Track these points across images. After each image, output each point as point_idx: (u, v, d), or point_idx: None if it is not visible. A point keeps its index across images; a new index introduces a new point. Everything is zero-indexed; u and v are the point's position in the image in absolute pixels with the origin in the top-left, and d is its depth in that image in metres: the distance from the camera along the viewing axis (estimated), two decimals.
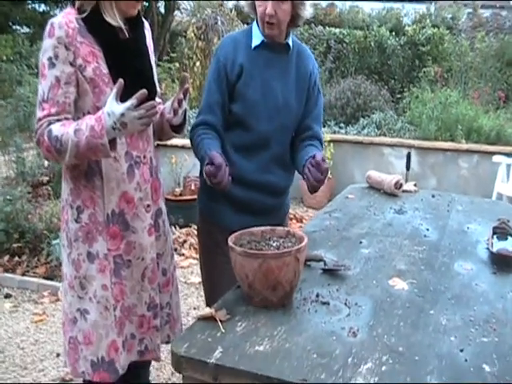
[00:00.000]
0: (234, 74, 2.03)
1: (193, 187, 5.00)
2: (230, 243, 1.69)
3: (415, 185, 3.08)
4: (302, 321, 1.60)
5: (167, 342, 2.01)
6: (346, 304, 1.71)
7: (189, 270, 4.31)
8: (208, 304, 2.23)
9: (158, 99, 1.98)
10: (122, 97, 1.65)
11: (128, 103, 1.61)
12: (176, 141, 5.05)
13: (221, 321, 1.59)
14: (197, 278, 4.08)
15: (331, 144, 6.03)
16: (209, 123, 2.06)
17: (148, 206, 1.86)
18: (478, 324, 1.62)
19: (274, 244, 1.74)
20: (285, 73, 2.10)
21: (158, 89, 2.03)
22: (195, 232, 4.85)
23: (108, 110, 1.62)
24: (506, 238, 2.33)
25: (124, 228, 1.82)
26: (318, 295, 1.75)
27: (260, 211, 2.10)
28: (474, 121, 6.03)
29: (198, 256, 4.33)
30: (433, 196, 2.95)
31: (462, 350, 1.48)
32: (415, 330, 1.57)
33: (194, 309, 3.70)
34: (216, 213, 2.03)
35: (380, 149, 6.24)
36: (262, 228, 1.82)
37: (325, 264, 1.95)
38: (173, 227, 4.75)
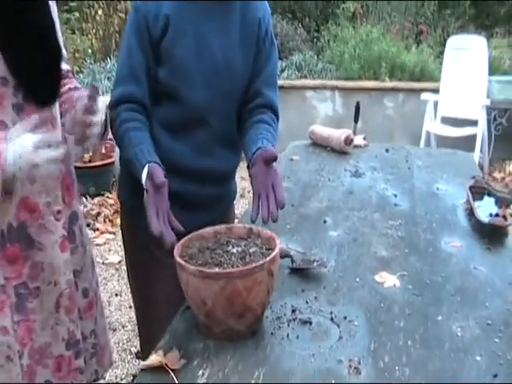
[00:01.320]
0: (157, 28, 1.49)
1: (103, 151, 4.38)
2: (177, 257, 1.22)
3: (364, 138, 2.70)
4: (283, 356, 1.18)
5: (95, 380, 1.54)
6: (332, 320, 1.30)
7: (105, 248, 3.73)
8: (140, 328, 1.76)
9: (64, 66, 1.43)
10: (17, 68, 1.16)
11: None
12: None
13: (173, 370, 1.13)
14: (116, 257, 3.57)
15: None
16: (133, 98, 1.51)
17: (59, 212, 1.34)
18: (499, 329, 1.27)
19: (235, 250, 1.28)
20: (226, 24, 1.55)
21: (64, 51, 1.48)
22: (110, 202, 4.37)
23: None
24: (482, 198, 2.00)
25: (27, 246, 1.30)
26: (294, 310, 1.34)
27: (200, 204, 1.63)
28: (397, 57, 5.73)
29: (114, 230, 3.90)
30: (386, 150, 2.58)
31: (495, 376, 1.12)
32: (429, 350, 1.20)
33: (116, 295, 3.20)
34: (143, 210, 1.49)
35: (302, 92, 5.83)
36: (215, 228, 1.36)
37: (292, 261, 1.53)
38: (83, 198, 4.15)
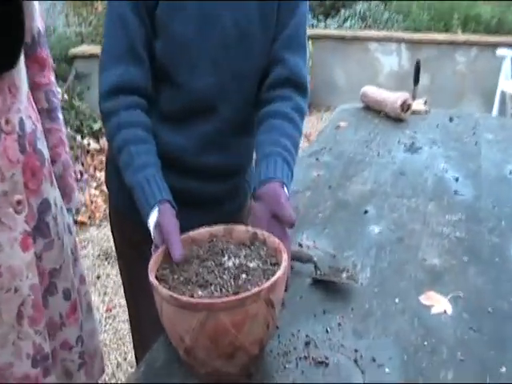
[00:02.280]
0: None
1: None
2: (150, 273, 0.89)
3: (425, 102, 2.24)
4: None
5: None
6: (356, 362, 0.95)
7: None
8: (132, 330, 1.46)
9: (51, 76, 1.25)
10: None
11: None
12: None
13: None
14: None
15: (309, 41, 5.05)
16: (135, 85, 1.10)
17: (19, 202, 1.03)
18: None
19: (231, 263, 0.95)
20: None
21: (51, 61, 1.26)
22: None
23: None
24: None
25: None
26: (308, 343, 0.99)
27: (204, 202, 1.27)
28: (471, 7, 5.05)
29: None
30: (450, 119, 2.13)
31: None
32: None
33: None
34: (134, 205, 1.14)
35: (365, 44, 5.28)
36: (211, 230, 1.02)
37: (316, 269, 1.17)
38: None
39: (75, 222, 3.16)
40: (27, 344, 1.10)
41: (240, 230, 1.02)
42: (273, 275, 0.88)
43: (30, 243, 1.07)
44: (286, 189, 1.04)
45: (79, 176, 3.35)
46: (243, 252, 0.97)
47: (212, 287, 0.89)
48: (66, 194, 1.30)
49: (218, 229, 1.03)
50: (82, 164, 3.53)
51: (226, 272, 0.93)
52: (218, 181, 1.23)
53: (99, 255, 2.95)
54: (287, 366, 0.95)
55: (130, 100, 1.09)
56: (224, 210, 1.24)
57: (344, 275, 1.15)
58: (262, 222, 1.00)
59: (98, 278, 2.77)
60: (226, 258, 0.97)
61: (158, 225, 0.97)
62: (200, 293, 0.88)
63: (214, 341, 0.85)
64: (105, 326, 2.44)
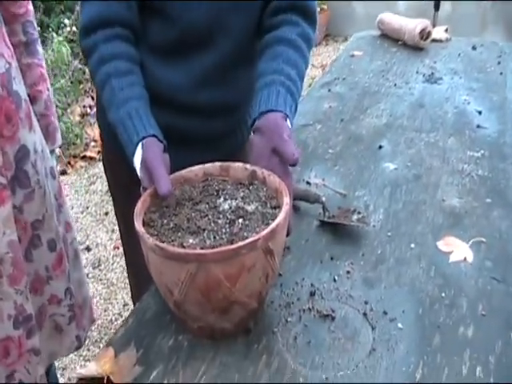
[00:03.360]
0: None
1: None
2: (136, 218, 0.75)
3: (446, 30, 2.01)
4: (281, 377, 0.72)
5: (78, 348, 1.17)
6: (365, 315, 0.82)
7: None
8: (132, 284, 1.34)
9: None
10: None
11: None
12: None
13: None
14: None
15: None
16: (116, 18, 0.92)
17: None
18: None
19: (227, 206, 0.80)
20: None
21: None
22: None
23: None
24: None
25: None
26: (313, 293, 0.87)
27: (201, 141, 1.08)
28: None
29: None
30: (473, 48, 1.91)
31: None
32: None
33: None
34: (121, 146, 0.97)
35: None
36: (206, 168, 0.87)
37: (324, 210, 1.03)
38: None
39: (83, 157, 3.03)
40: (8, 305, 0.98)
41: (238, 167, 0.87)
42: (273, 220, 0.74)
43: (6, 196, 0.92)
44: (288, 122, 0.87)
45: (88, 110, 3.19)
46: (240, 193, 0.83)
47: (204, 234, 0.75)
48: (50, 134, 1.14)
49: (214, 166, 0.88)
50: (92, 98, 3.35)
51: (221, 216, 0.79)
52: (216, 119, 1.06)
53: (107, 191, 2.83)
54: (289, 319, 0.82)
55: (110, 32, 0.92)
56: (223, 150, 1.08)
57: (355, 217, 1.01)
58: (262, 158, 0.84)
59: (106, 214, 2.65)
60: (222, 199, 0.82)
61: (143, 162, 0.82)
62: (191, 241, 0.74)
63: (205, 295, 0.72)
64: (112, 264, 2.36)
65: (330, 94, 1.59)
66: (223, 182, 0.86)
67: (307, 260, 0.94)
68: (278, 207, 0.78)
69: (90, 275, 2.32)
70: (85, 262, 2.39)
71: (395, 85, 1.62)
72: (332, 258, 0.94)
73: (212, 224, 0.77)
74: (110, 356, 0.76)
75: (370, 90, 1.60)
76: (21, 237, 0.97)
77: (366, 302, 0.85)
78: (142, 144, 0.84)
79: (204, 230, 0.76)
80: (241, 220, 0.77)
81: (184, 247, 0.72)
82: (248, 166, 0.86)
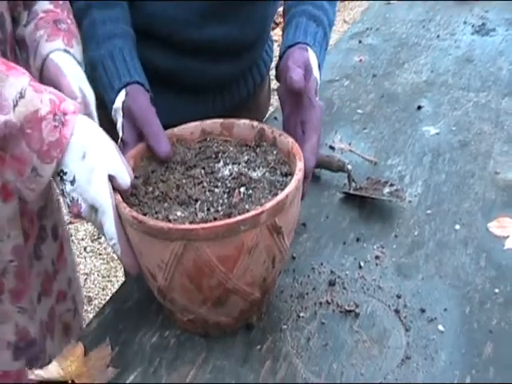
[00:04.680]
0: None
1: None
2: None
3: None
4: None
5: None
6: (398, 312, 0.70)
7: None
8: None
9: None
10: None
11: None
12: None
13: None
14: None
15: None
16: None
17: None
18: None
19: (227, 172, 0.70)
20: None
21: None
22: None
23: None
24: None
25: None
26: (332, 282, 0.75)
27: (203, 88, 0.95)
28: None
29: None
30: None
31: None
32: None
33: None
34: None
35: None
36: (205, 125, 0.76)
37: (350, 181, 0.90)
38: None
39: None
40: (8, 329, 0.83)
41: (243, 125, 0.74)
42: (282, 189, 0.62)
43: (12, 190, 0.78)
44: (311, 51, 0.74)
45: None
46: (245, 157, 0.71)
47: (197, 205, 0.63)
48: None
49: (214, 124, 0.75)
50: None
51: (219, 184, 0.67)
52: (222, 61, 0.92)
53: None
54: (302, 314, 0.71)
55: None
56: (229, 100, 0.95)
57: (386, 190, 0.88)
58: (286, 109, 0.73)
59: None
60: (221, 164, 0.70)
61: (128, 113, 0.70)
62: (179, 213, 0.62)
63: (195, 281, 0.61)
64: None
65: (360, 45, 1.46)
66: (224, 142, 0.74)
67: (327, 241, 0.82)
68: (290, 174, 0.66)
69: (88, 249, 2.24)
70: (83, 234, 2.31)
71: (438, 36, 1.47)
72: (358, 240, 0.82)
73: (207, 193, 0.65)
74: (78, 354, 0.65)
75: (407, 42, 1.45)
76: (28, 231, 0.84)
77: (398, 296, 0.73)
78: (126, 91, 0.72)
79: (196, 200, 0.64)
80: (242, 189, 0.65)
81: (169, 221, 0.60)
82: (256, 123, 0.73)
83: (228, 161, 0.70)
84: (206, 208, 0.63)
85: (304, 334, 0.68)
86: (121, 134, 0.71)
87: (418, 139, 1.05)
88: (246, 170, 0.68)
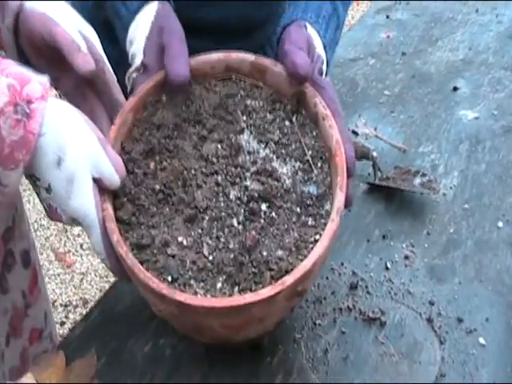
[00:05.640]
0: None
1: None
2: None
3: None
4: None
5: None
6: (431, 321, 0.65)
7: None
8: None
9: None
10: None
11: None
12: None
13: None
14: None
15: None
16: None
17: None
18: None
19: (249, 158, 0.61)
20: None
21: None
22: None
23: None
24: None
25: None
26: (354, 285, 0.71)
27: (223, 31, 0.89)
28: None
29: None
30: None
31: None
32: None
33: None
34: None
35: None
36: (228, 57, 0.65)
37: (375, 170, 0.86)
38: None
39: None
40: None
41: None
42: (312, 225, 0.57)
43: None
44: (311, 28, 0.67)
45: None
46: (276, 129, 0.62)
47: (204, 224, 0.56)
48: None
49: (243, 59, 0.65)
50: None
51: (238, 181, 0.58)
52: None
53: None
54: (319, 321, 0.66)
55: None
56: (253, 38, 0.89)
57: (417, 181, 0.83)
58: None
59: None
60: (245, 138, 0.60)
61: (157, 29, 0.63)
62: (175, 250, 0.55)
63: (198, 331, 0.57)
64: None
65: (388, 21, 1.40)
66: (254, 89, 0.65)
67: (348, 238, 0.78)
68: (329, 187, 0.59)
69: (85, 246, 2.20)
70: (79, 229, 2.28)
71: (477, 11, 1.41)
72: (384, 237, 0.78)
73: (220, 199, 0.57)
74: (59, 364, 0.61)
75: (441, 17, 1.40)
76: None
77: (431, 303, 0.68)
78: (158, 6, 0.64)
79: (204, 212, 0.57)
80: (264, 207, 0.57)
81: (160, 271, 0.54)
82: (268, 60, 0.65)
83: (254, 132, 0.62)
84: (214, 236, 0.56)
85: (321, 345, 0.64)
86: (141, 57, 0.64)
87: (454, 124, 1.00)
88: (275, 157, 0.60)
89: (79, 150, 0.52)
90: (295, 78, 0.62)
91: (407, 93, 1.10)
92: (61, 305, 2.03)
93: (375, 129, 0.99)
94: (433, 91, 1.10)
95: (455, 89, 1.10)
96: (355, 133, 0.98)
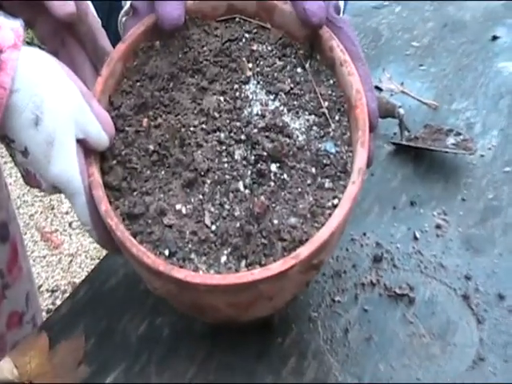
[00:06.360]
0: None
1: None
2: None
3: None
4: None
5: None
6: (466, 299, 0.64)
7: None
8: None
9: None
10: None
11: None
12: None
13: None
14: None
15: None
16: None
17: None
18: None
19: (256, 111, 0.59)
20: None
21: None
22: None
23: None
24: None
25: None
26: (378, 258, 0.71)
27: None
28: None
29: None
30: None
31: None
32: None
33: None
34: None
35: None
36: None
37: (402, 129, 0.85)
38: None
39: None
40: None
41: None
42: (332, 187, 0.55)
43: None
44: None
45: None
46: (287, 78, 0.60)
47: (205, 188, 0.54)
48: None
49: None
50: None
51: (243, 139, 0.56)
52: None
53: None
54: (338, 298, 0.65)
55: None
56: None
57: (451, 140, 0.82)
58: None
59: None
60: (251, 87, 0.58)
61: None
62: (173, 220, 0.53)
63: (199, 311, 0.57)
64: None
65: None
66: (260, 31, 0.62)
67: (371, 204, 0.76)
68: (348, 143, 0.57)
69: (74, 225, 2.21)
70: (68, 206, 2.27)
71: None
72: (412, 204, 0.76)
73: (223, 159, 0.55)
74: (41, 347, 0.60)
75: None
76: None
77: (467, 277, 0.67)
78: None
79: (206, 172, 0.55)
80: (274, 167, 0.55)
81: (156, 244, 0.52)
82: None
83: (262, 83, 0.59)
84: (217, 203, 0.54)
85: (340, 325, 0.63)
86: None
87: (493, 78, 0.99)
88: (286, 110, 0.58)
89: (59, 106, 0.50)
90: (307, 25, 0.59)
91: (438, 44, 1.09)
92: (47, 290, 2.04)
93: (402, 84, 0.98)
94: (468, 41, 1.09)
95: (494, 38, 1.09)
96: (379, 88, 0.97)
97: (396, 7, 1.21)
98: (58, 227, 2.20)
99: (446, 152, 0.81)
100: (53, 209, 2.26)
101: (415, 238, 0.72)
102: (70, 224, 2.23)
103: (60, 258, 2.12)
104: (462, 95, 0.95)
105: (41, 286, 2.00)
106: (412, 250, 0.70)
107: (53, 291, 2.03)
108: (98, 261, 2.00)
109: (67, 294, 1.95)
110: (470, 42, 1.08)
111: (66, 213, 2.27)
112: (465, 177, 0.80)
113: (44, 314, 1.85)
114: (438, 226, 0.73)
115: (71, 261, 2.10)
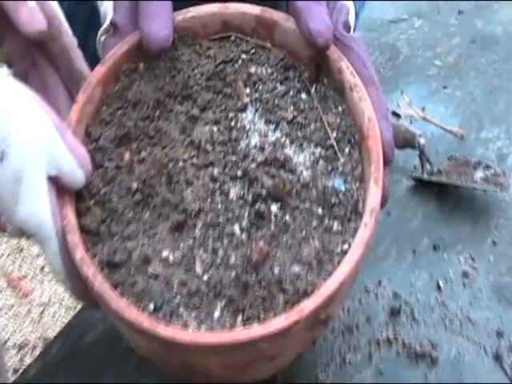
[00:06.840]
0: None
1: None
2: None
3: None
4: None
5: None
6: (498, 359, 0.67)
7: None
8: None
9: None
10: None
11: None
12: None
13: None
14: None
15: None
16: None
17: None
18: None
19: (254, 143, 0.59)
20: None
21: None
22: None
23: None
24: None
25: None
26: (397, 308, 0.72)
27: None
28: None
29: None
30: None
31: None
32: None
33: None
34: None
35: None
36: (224, 11, 0.63)
37: (424, 162, 0.88)
38: None
39: None
40: None
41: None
42: (340, 230, 0.56)
43: None
44: None
45: None
46: (290, 105, 0.61)
47: (196, 232, 0.55)
48: None
49: (244, 13, 0.64)
50: None
51: (239, 174, 0.56)
52: None
53: None
54: (349, 357, 0.67)
55: None
56: None
57: (480, 175, 0.86)
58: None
59: None
60: (249, 115, 0.60)
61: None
62: (158, 269, 0.54)
63: (190, 372, 0.59)
64: None
65: None
66: (259, 52, 0.64)
67: (388, 249, 0.79)
68: (360, 179, 0.58)
69: (46, 269, 2.23)
70: (40, 248, 2.30)
71: None
72: (435, 248, 0.79)
73: (216, 199, 0.56)
74: None
75: None
76: None
77: (499, 334, 0.69)
78: None
79: (197, 214, 0.56)
80: (275, 208, 0.56)
81: (139, 297, 0.53)
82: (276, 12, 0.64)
83: (261, 111, 0.61)
84: (209, 249, 0.55)
85: None
86: (111, 14, 0.63)
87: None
88: (288, 141, 0.60)
89: (28, 139, 0.51)
90: (313, 46, 0.61)
91: (465, 62, 1.12)
92: (15, 346, 2.04)
93: (423, 109, 1.01)
94: (500, 59, 1.12)
95: None
96: (397, 115, 1.00)
97: (416, 21, 1.24)
98: (28, 272, 2.22)
99: (474, 188, 0.84)
100: (22, 251, 2.28)
101: (438, 288, 0.74)
102: (42, 268, 2.24)
103: (30, 307, 2.13)
104: (492, 122, 0.98)
105: (7, 341, 2.01)
106: (435, 302, 0.72)
107: (21, 347, 2.04)
108: (73, 312, 2.03)
109: (38, 351, 1.97)
110: (502, 60, 1.12)
111: (37, 256, 2.28)
112: (496, 217, 0.82)
113: (10, 374, 1.87)
114: (465, 274, 0.75)
115: (43, 311, 2.11)
